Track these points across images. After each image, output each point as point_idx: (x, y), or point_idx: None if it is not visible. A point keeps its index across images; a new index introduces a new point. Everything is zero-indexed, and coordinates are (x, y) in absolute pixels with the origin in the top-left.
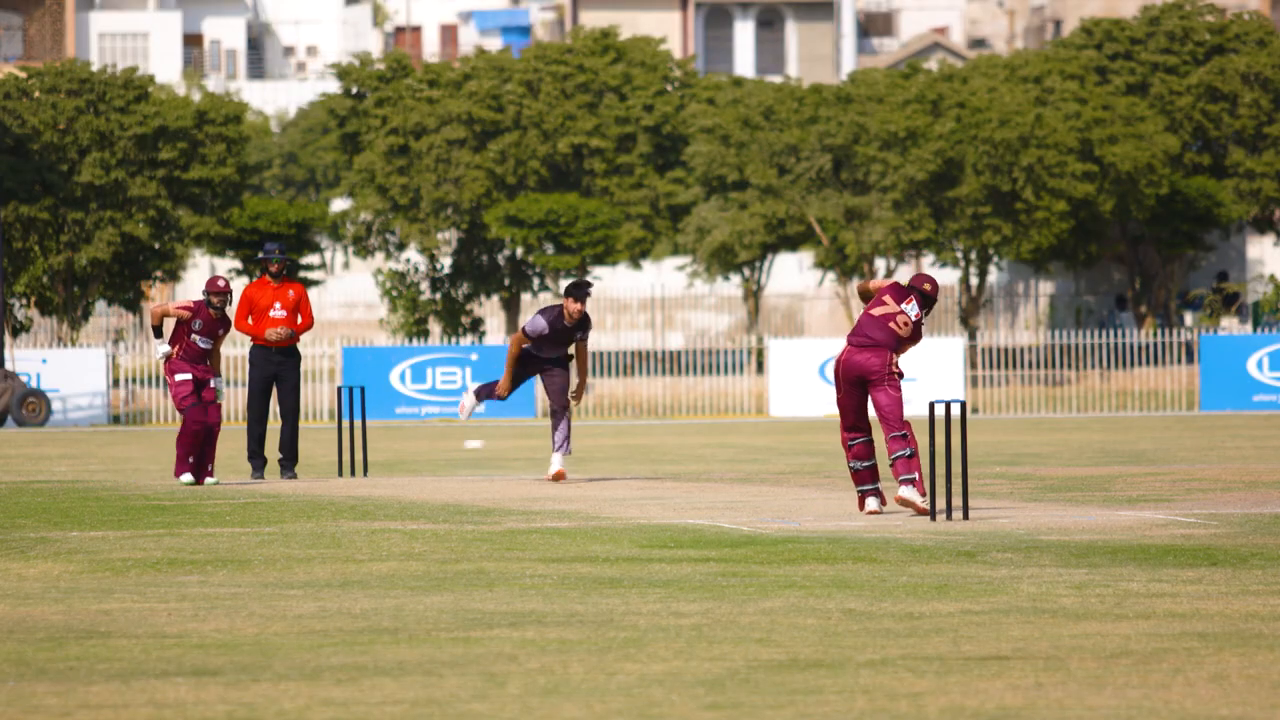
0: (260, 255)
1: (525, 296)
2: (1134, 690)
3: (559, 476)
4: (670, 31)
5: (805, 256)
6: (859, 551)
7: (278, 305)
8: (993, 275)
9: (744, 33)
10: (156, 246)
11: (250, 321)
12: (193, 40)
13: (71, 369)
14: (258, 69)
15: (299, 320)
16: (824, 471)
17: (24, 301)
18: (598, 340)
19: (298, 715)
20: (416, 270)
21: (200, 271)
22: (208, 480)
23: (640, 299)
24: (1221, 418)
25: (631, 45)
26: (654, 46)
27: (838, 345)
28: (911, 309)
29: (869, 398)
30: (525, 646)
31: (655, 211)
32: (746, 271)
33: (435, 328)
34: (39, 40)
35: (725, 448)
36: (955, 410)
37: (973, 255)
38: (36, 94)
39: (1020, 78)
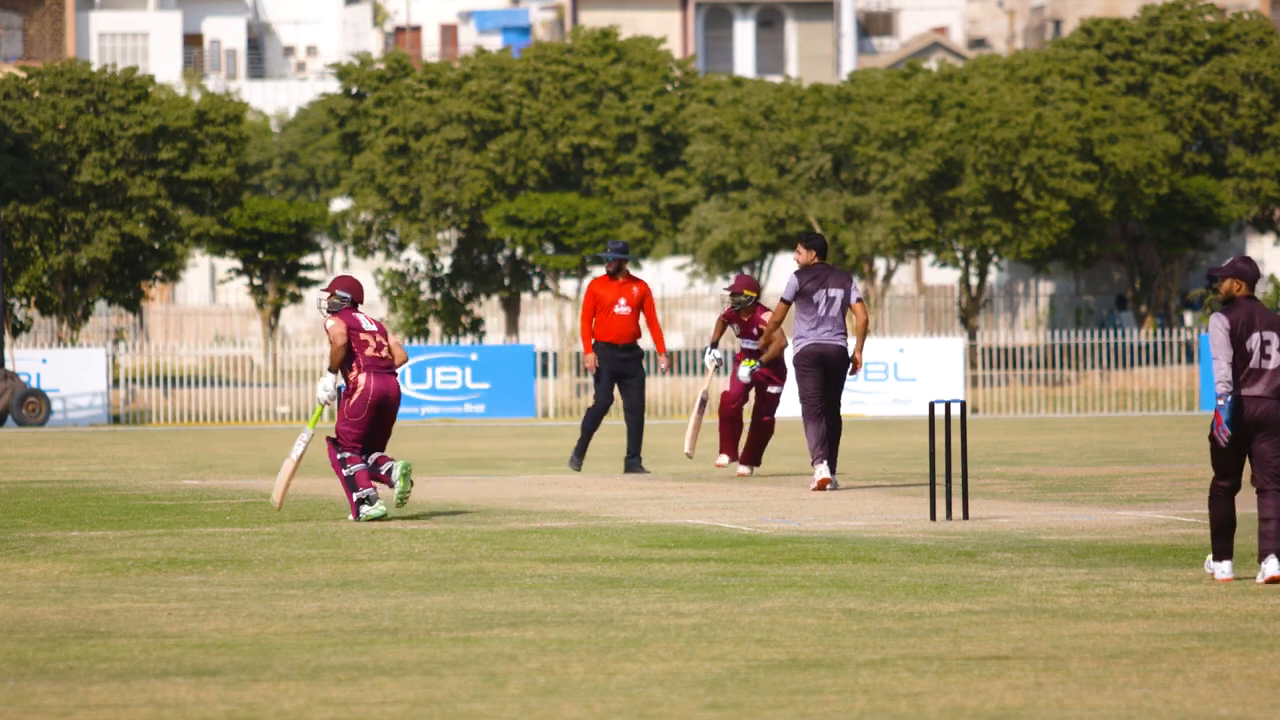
0: (599, 255)
1: (525, 296)
2: (1134, 690)
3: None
4: (670, 31)
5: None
6: (859, 551)
7: (622, 301)
8: (993, 275)
9: (744, 33)
10: (156, 246)
11: (595, 320)
12: (193, 40)
13: (71, 369)
14: (258, 69)
15: (643, 316)
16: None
17: (24, 301)
18: None
19: (298, 715)
20: (416, 270)
21: (200, 271)
22: (741, 469)
23: None
24: None
25: (631, 45)
26: (654, 46)
27: None
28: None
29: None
30: (525, 646)
31: (655, 211)
32: (746, 271)
33: (435, 328)
34: (39, 40)
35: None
36: (955, 410)
37: (973, 255)
38: (36, 94)
39: (1020, 78)
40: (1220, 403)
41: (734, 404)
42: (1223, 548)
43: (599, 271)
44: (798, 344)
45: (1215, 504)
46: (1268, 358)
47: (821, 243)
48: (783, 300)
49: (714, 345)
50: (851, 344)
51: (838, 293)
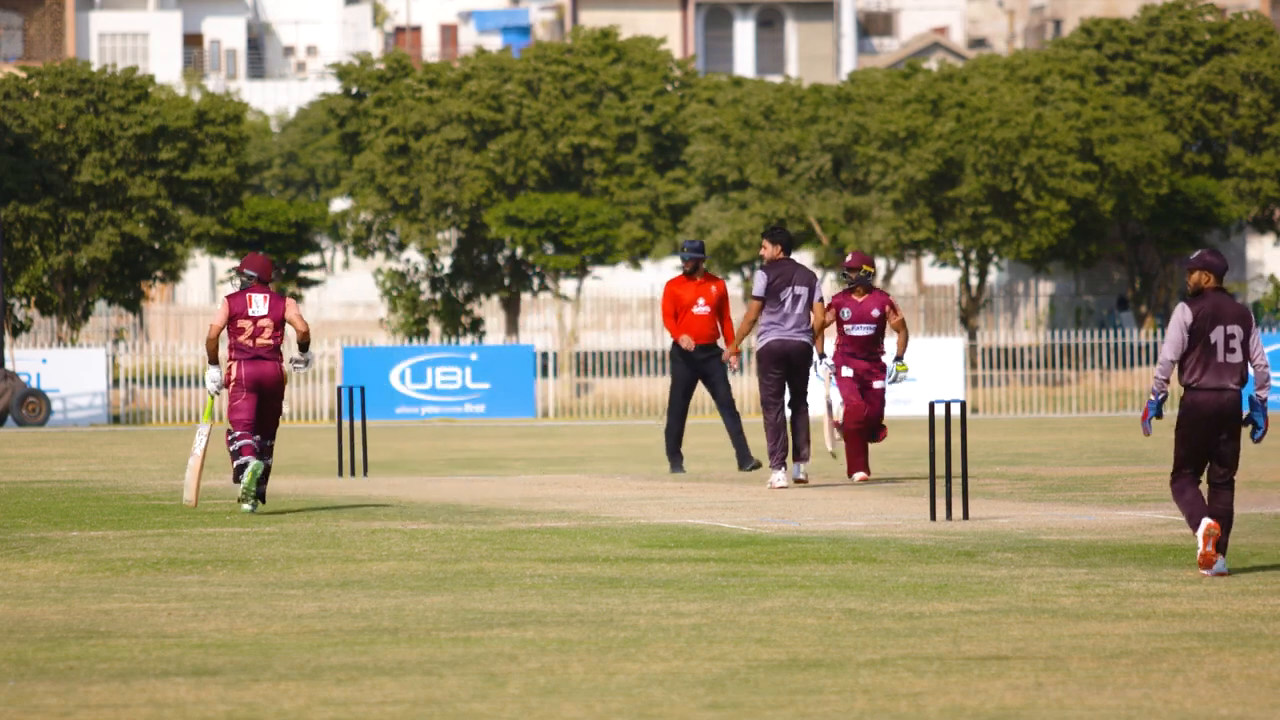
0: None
1: (525, 296)
2: (1134, 690)
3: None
4: (670, 31)
5: (805, 256)
6: (859, 551)
7: (700, 301)
8: (993, 275)
9: (744, 33)
10: (156, 246)
11: (676, 319)
12: (193, 40)
13: (71, 369)
14: (258, 69)
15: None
16: (823, 471)
17: (24, 301)
18: (598, 340)
19: (298, 715)
20: (416, 270)
21: (200, 271)
22: (857, 476)
23: (640, 299)
24: None
25: (631, 45)
26: (654, 46)
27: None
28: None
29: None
30: (525, 646)
31: (655, 211)
32: (746, 271)
33: (435, 328)
34: (39, 40)
35: (725, 447)
36: (955, 410)
37: (973, 255)
38: (36, 94)
39: (1020, 78)
40: (1152, 398)
41: (862, 417)
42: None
43: (599, 271)
44: (761, 340)
45: (1182, 493)
46: (1233, 351)
47: (786, 238)
48: (755, 298)
49: (821, 356)
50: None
51: (803, 290)
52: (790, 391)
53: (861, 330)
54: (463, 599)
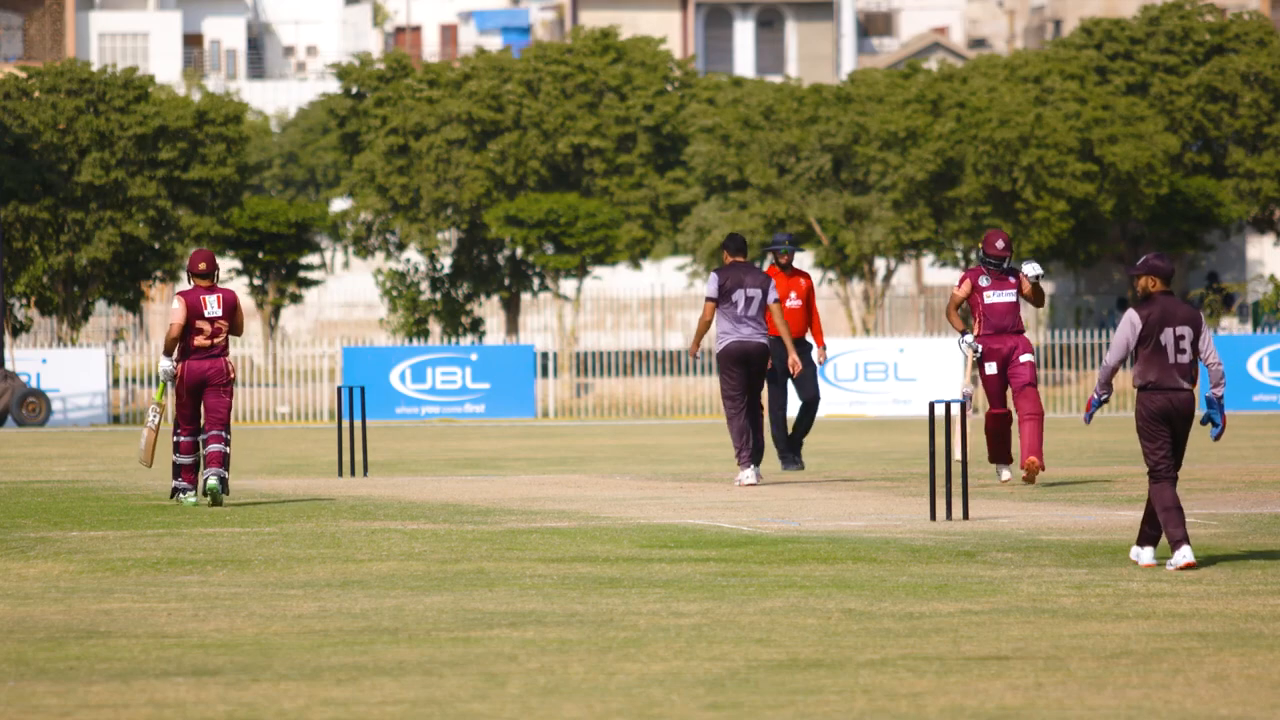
0: (770, 245)
1: (525, 296)
2: (1134, 690)
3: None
4: (670, 31)
5: (805, 256)
6: (859, 551)
7: (793, 295)
8: None
9: (744, 33)
10: (156, 246)
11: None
12: (193, 40)
13: (71, 369)
14: (258, 69)
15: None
16: (824, 471)
17: (24, 301)
18: (598, 340)
19: (298, 715)
20: (416, 270)
21: None
22: (1003, 474)
23: (640, 299)
24: None
25: (631, 45)
26: (654, 46)
27: (837, 345)
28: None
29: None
30: (525, 646)
31: (655, 211)
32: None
33: (435, 328)
34: (39, 40)
35: (725, 448)
36: (955, 410)
37: (973, 255)
38: (36, 94)
39: (1020, 78)
40: (1094, 397)
41: (1001, 421)
42: (1153, 535)
43: (599, 271)
44: (720, 341)
45: (1162, 492)
46: (1183, 352)
47: (735, 244)
48: (708, 299)
49: (964, 332)
50: (788, 342)
51: (756, 292)
52: (748, 392)
53: (1002, 297)
54: (463, 599)
